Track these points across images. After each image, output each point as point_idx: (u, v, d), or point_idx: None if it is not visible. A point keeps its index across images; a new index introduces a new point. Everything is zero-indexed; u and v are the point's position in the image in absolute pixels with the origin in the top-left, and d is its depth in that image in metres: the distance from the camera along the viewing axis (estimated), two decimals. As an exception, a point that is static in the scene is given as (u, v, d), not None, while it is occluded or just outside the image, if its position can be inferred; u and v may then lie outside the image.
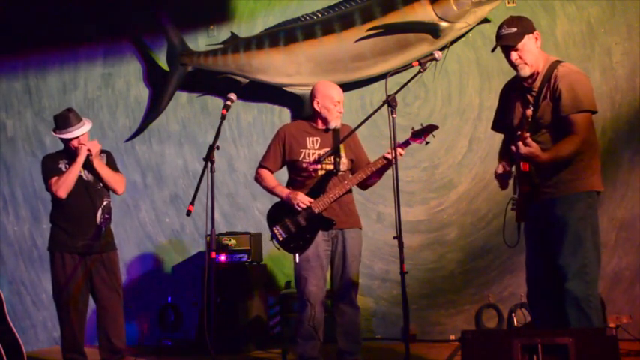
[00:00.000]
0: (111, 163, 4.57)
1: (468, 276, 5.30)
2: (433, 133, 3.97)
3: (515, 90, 3.53)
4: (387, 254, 5.30)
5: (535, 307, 3.57)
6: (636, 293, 4.93)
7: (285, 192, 4.04)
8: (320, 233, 4.00)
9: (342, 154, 4.07)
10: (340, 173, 4.05)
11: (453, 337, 5.21)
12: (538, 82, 3.42)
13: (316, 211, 3.97)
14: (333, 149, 4.05)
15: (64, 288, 4.32)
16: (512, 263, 5.08)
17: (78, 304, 4.35)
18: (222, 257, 5.24)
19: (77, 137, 4.35)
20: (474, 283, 5.29)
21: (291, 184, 4.13)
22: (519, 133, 3.30)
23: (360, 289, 4.20)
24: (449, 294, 5.33)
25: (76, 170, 4.32)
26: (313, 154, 4.06)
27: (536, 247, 3.48)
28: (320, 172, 4.04)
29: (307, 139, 4.09)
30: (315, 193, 4.01)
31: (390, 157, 3.86)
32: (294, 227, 4.00)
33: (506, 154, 3.54)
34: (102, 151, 4.53)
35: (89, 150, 4.33)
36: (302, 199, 3.96)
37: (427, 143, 4.01)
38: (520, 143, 3.28)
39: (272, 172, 4.16)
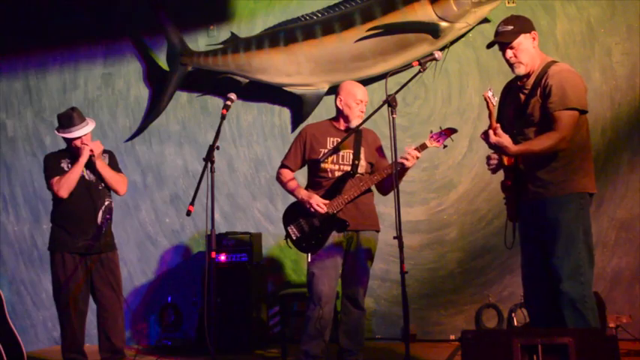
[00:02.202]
0: (113, 163, 4.57)
1: (468, 276, 5.30)
2: (452, 136, 3.99)
3: (511, 90, 3.54)
4: (387, 254, 5.29)
5: (532, 308, 3.58)
6: (636, 293, 4.93)
7: (301, 193, 4.06)
8: (335, 234, 4.01)
9: (362, 156, 4.08)
10: (358, 175, 4.05)
11: (453, 337, 5.21)
12: (531, 81, 3.43)
13: (330, 211, 3.98)
14: (333, 149, 4.05)
15: (64, 288, 4.32)
16: (512, 263, 5.08)
17: (78, 304, 4.35)
18: (222, 257, 5.24)
19: (80, 137, 4.36)
20: (474, 283, 5.28)
21: (310, 185, 4.15)
22: (489, 121, 3.31)
23: (361, 290, 4.20)
24: (449, 294, 5.33)
25: (78, 170, 4.32)
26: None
27: (530, 248, 3.49)
28: (337, 174, 4.05)
29: (328, 139, 4.11)
30: (331, 194, 4.02)
31: (406, 162, 3.88)
32: (308, 227, 4.02)
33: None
34: (104, 151, 4.53)
35: (92, 150, 4.34)
36: (316, 202, 3.97)
37: (445, 147, 4.02)
38: (490, 132, 3.30)
39: (292, 171, 4.18)
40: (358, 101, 4.08)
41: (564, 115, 3.30)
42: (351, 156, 4.06)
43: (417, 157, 3.93)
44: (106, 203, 4.46)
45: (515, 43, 3.40)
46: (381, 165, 4.15)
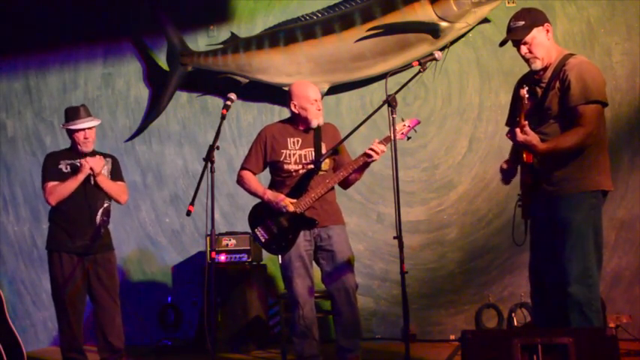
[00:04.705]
0: (115, 169, 4.56)
1: (468, 276, 5.30)
2: (415, 128, 3.97)
3: (526, 84, 3.43)
4: (387, 254, 5.29)
5: (537, 307, 3.53)
6: (636, 293, 4.93)
7: (266, 193, 4.01)
8: (301, 233, 3.97)
9: (323, 152, 4.03)
10: (321, 172, 4.01)
11: (453, 337, 5.21)
12: (548, 74, 3.35)
13: (298, 211, 3.94)
14: (334, 149, 4.03)
15: (62, 288, 4.33)
16: (512, 263, 5.09)
17: (76, 304, 4.36)
18: (222, 257, 5.24)
19: (83, 129, 4.36)
20: (474, 283, 5.28)
21: (273, 185, 4.10)
22: (517, 119, 3.25)
23: (360, 289, 4.17)
24: (449, 294, 5.33)
25: (73, 185, 4.31)
26: (294, 154, 4.03)
27: (539, 247, 3.43)
28: (301, 171, 4.01)
29: (288, 139, 4.06)
30: (296, 192, 3.97)
31: (372, 154, 3.87)
32: (276, 228, 3.98)
33: (515, 151, 3.49)
34: (107, 156, 4.54)
35: (92, 169, 4.32)
36: (284, 201, 3.92)
37: (408, 138, 3.99)
38: (517, 130, 3.22)
39: (254, 174, 4.12)
40: (312, 101, 4.03)
41: (588, 109, 3.21)
42: (313, 154, 4.02)
43: (383, 151, 3.88)
44: (105, 205, 4.46)
45: (528, 38, 3.31)
46: (342, 157, 4.11)
